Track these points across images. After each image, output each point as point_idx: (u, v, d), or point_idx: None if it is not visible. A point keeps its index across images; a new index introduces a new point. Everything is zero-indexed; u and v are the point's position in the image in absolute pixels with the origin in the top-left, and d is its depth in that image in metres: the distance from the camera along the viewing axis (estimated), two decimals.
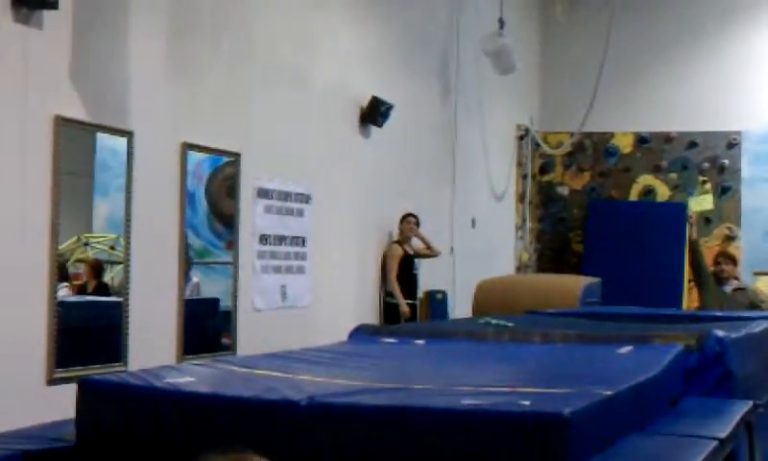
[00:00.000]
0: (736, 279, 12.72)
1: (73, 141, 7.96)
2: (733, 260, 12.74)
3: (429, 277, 13.43)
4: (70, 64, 7.86)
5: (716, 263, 12.67)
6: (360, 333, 7.26)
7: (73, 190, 8.15)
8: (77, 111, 7.94)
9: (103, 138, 8.47)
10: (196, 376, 4.91)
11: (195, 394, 4.54)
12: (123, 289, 8.51)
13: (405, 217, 12.99)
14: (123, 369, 8.03)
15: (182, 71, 9.20)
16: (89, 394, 4.59)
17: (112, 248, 8.64)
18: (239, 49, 10.03)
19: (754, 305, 11.92)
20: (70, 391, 4.76)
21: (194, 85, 9.37)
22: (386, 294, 12.87)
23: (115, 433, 4.47)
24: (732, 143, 17.99)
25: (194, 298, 9.52)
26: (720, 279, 12.40)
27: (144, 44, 8.67)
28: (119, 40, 8.41)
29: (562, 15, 17.46)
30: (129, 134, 8.49)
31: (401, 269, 12.83)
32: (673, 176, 18.31)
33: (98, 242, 8.62)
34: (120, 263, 8.56)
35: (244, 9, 10.13)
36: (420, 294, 13.42)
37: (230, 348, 9.81)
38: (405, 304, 12.70)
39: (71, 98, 7.90)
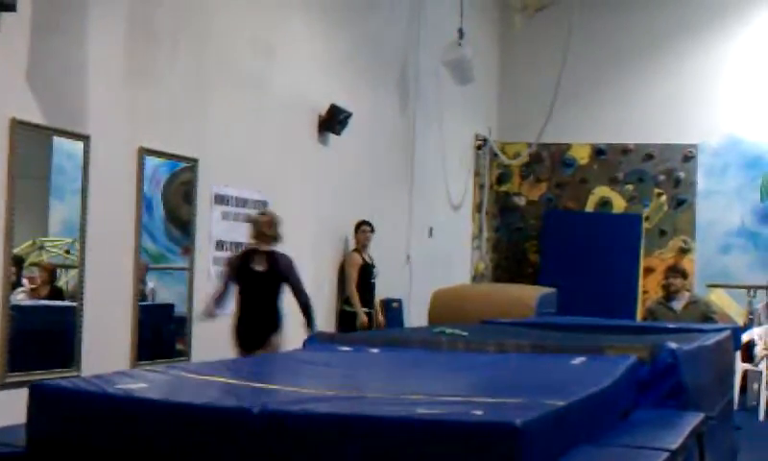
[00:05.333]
0: (688, 291, 12.80)
1: (29, 144, 7.92)
2: (683, 274, 12.79)
3: (385, 285, 13.43)
4: (27, 67, 7.82)
5: (666, 277, 12.77)
6: (315, 341, 7.27)
7: (29, 194, 8.11)
8: (33, 115, 7.90)
9: (59, 142, 8.42)
10: (149, 383, 4.89)
11: (147, 400, 4.53)
12: (77, 293, 8.46)
13: (360, 225, 12.97)
14: (76, 374, 8.00)
15: (140, 76, 9.17)
16: (41, 399, 4.57)
17: (68, 252, 8.60)
18: (197, 55, 10.01)
19: (706, 317, 12.01)
20: (22, 395, 4.73)
21: (152, 91, 9.34)
22: (343, 301, 12.86)
23: (66, 439, 4.45)
24: (689, 156, 18.12)
25: (149, 303, 9.49)
26: (669, 294, 12.46)
27: (102, 49, 8.64)
28: (77, 44, 8.38)
29: (521, 27, 17.53)
30: (85, 139, 8.45)
31: (359, 277, 12.81)
32: (629, 188, 18.41)
33: (53, 246, 8.58)
34: (75, 267, 8.51)
35: (202, 15, 10.11)
36: (376, 301, 13.39)
37: (185, 354, 9.78)
38: (364, 314, 12.69)
39: (28, 101, 7.85)
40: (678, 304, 12.32)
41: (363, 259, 12.89)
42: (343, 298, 12.88)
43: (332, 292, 12.83)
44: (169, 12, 9.60)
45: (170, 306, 9.98)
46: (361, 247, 12.96)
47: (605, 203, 18.54)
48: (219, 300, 9.33)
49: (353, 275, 12.75)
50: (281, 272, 9.47)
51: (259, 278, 9.39)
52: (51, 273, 8.57)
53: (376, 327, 13.01)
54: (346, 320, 12.70)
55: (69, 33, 8.30)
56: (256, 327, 9.33)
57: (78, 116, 8.40)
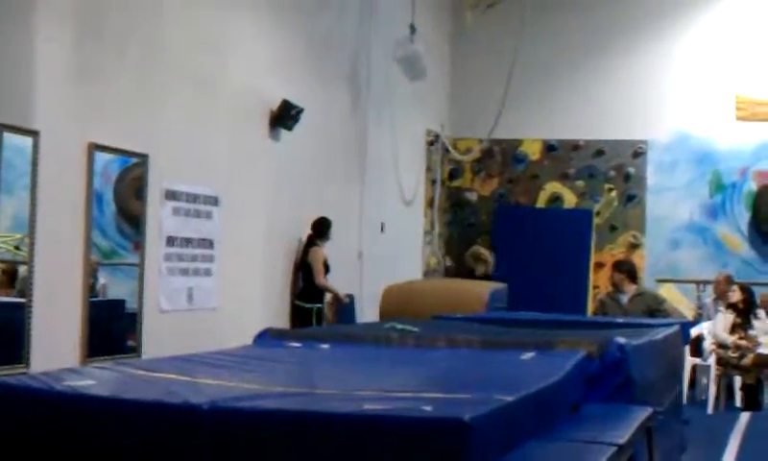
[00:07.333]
0: (635, 285, 12.93)
1: None
2: (621, 269, 12.98)
3: (337, 280, 13.42)
4: None
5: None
6: (266, 337, 7.25)
7: None
8: None
9: (9, 137, 8.34)
10: (97, 380, 4.87)
11: (94, 397, 4.50)
12: (27, 289, 8.40)
13: (329, 223, 12.99)
14: (25, 371, 7.93)
15: (90, 71, 9.11)
16: None
17: (17, 248, 8.53)
18: (148, 50, 9.96)
19: (652, 310, 12.16)
20: None
21: (102, 86, 9.29)
22: (296, 297, 12.86)
23: (12, 436, 4.42)
24: (639, 152, 18.23)
25: (99, 299, 9.44)
26: (616, 287, 12.79)
27: (51, 43, 8.57)
28: (26, 39, 8.31)
29: (472, 23, 17.56)
30: (35, 134, 8.39)
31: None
32: (580, 183, 18.50)
33: (3, 242, 8.51)
34: (24, 263, 8.45)
35: (153, 10, 10.06)
36: (327, 297, 13.39)
37: (136, 350, 9.74)
38: (343, 294, 13.06)
39: None
40: (624, 298, 12.56)
41: (324, 256, 12.94)
42: (296, 293, 12.89)
43: (285, 287, 12.82)
44: (119, 7, 9.55)
45: (121, 302, 9.93)
46: (323, 243, 12.98)
47: (556, 198, 18.62)
48: None
49: (320, 269, 12.79)
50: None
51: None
52: (12, 273, 8.51)
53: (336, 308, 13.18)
54: (299, 315, 12.70)
55: (17, 27, 8.24)
56: None
57: (27, 111, 8.34)
